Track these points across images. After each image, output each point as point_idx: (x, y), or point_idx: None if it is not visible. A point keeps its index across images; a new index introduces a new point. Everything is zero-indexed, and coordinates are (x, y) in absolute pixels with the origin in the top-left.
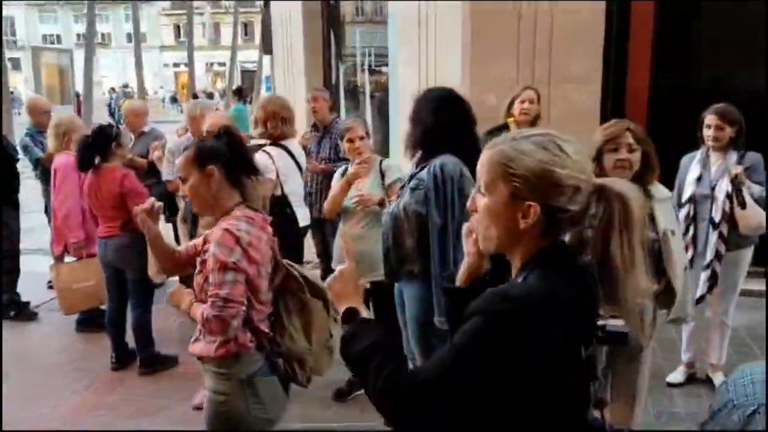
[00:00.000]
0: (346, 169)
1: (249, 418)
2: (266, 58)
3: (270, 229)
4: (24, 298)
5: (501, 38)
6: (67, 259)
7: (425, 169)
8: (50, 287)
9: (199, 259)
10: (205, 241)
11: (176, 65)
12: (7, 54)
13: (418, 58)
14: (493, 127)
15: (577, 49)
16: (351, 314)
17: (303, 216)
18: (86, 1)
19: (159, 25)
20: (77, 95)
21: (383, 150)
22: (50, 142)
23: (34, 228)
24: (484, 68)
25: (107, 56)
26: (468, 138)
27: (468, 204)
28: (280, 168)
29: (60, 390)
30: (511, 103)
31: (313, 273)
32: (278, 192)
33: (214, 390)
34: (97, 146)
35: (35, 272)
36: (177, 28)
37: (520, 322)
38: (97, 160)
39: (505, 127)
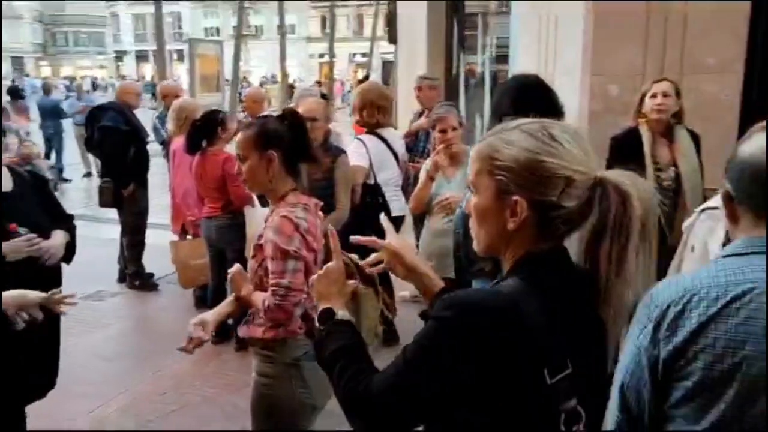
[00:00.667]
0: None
1: (293, 402)
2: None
3: (321, 215)
4: (148, 270)
5: (627, 23)
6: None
7: None
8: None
9: (253, 244)
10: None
11: (321, 56)
12: (174, 46)
13: (537, 44)
14: (620, 132)
15: (717, 35)
16: (327, 315)
17: (400, 207)
18: None
19: (307, 17)
20: (227, 83)
21: None
22: (170, 126)
23: (162, 205)
24: (607, 56)
25: (258, 47)
26: None
27: (464, 205)
28: (374, 157)
29: (165, 357)
30: (642, 100)
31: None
32: (371, 181)
33: (260, 372)
34: (204, 130)
35: (161, 246)
36: (323, 20)
37: (462, 330)
38: (204, 144)
39: (634, 130)
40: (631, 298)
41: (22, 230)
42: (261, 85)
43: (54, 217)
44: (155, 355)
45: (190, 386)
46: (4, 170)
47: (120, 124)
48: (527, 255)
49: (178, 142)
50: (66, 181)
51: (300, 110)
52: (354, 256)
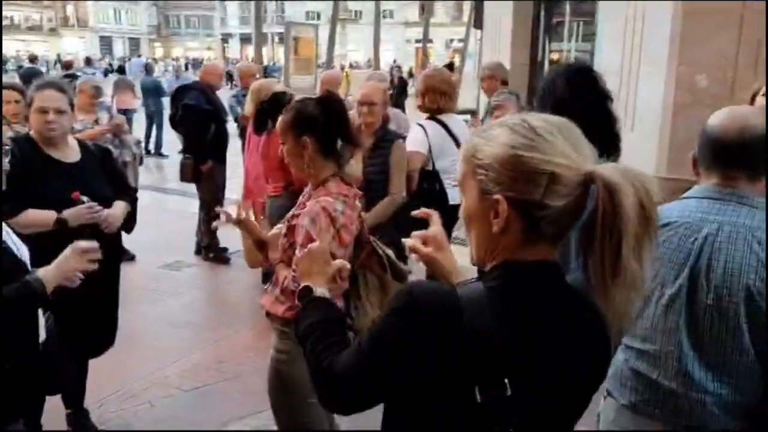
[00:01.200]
0: None
1: (306, 381)
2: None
3: (359, 205)
4: (222, 244)
5: (720, 10)
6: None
7: None
8: None
9: (287, 223)
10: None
11: (417, 41)
12: (276, 29)
13: (623, 32)
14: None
15: None
16: (306, 292)
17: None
18: None
19: (405, 3)
20: (320, 66)
21: None
22: (247, 107)
23: (240, 181)
24: (697, 45)
25: (356, 31)
26: (600, 115)
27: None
28: (434, 143)
29: (227, 328)
30: (753, 99)
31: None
32: (429, 167)
33: (277, 349)
34: (271, 111)
35: None
36: (422, 5)
37: (407, 318)
38: (269, 125)
39: None
40: (636, 303)
41: (84, 198)
42: (342, 69)
43: (117, 188)
44: (219, 325)
45: (246, 357)
46: (73, 141)
47: (201, 103)
48: (504, 263)
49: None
50: (163, 156)
51: (359, 94)
52: (389, 252)
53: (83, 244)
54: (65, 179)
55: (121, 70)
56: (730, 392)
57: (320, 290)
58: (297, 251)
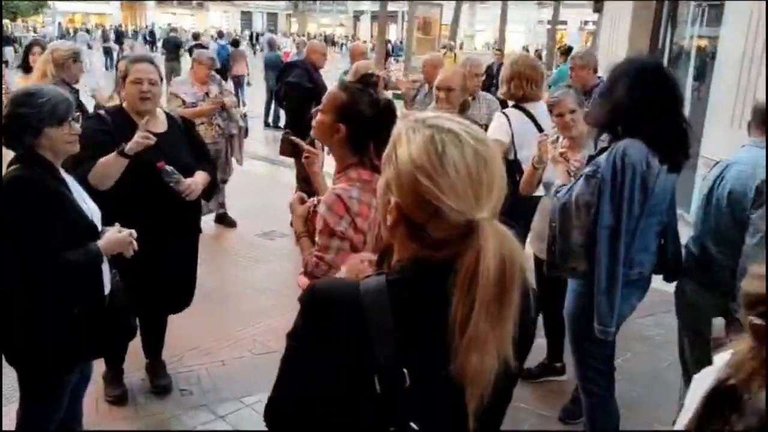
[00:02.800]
0: (557, 139)
1: None
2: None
3: None
4: None
5: None
6: None
7: (605, 154)
8: None
9: (312, 207)
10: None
11: (549, 22)
12: (405, 8)
13: (748, 21)
14: None
15: None
16: None
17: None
18: None
19: None
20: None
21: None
22: None
23: None
24: None
25: (486, 11)
26: (667, 120)
27: (563, 195)
28: (516, 132)
29: (277, 311)
30: None
31: None
32: (511, 156)
33: None
34: None
35: None
36: None
37: (309, 313)
38: None
39: None
40: (482, 360)
41: (168, 168)
42: (450, 49)
43: (198, 158)
44: (273, 309)
45: (279, 338)
46: (160, 112)
47: (304, 81)
48: (409, 259)
49: None
50: (281, 129)
51: (437, 80)
52: None
53: (123, 229)
54: (153, 148)
55: (236, 44)
56: None
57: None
58: (317, 236)
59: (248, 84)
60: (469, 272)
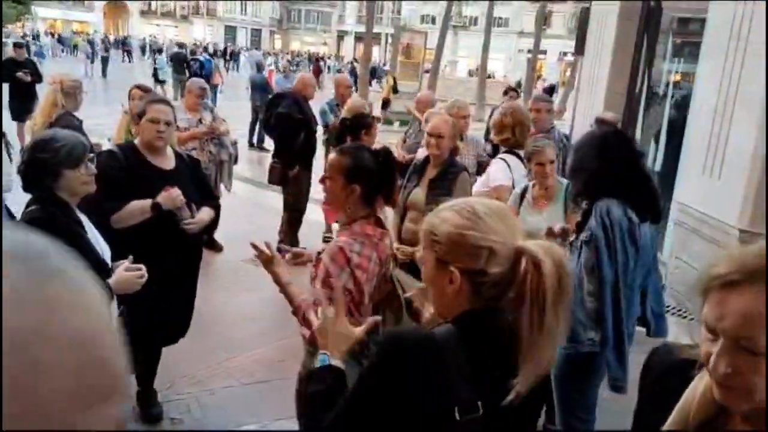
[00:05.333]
0: (525, 189)
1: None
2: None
3: (385, 244)
4: (302, 245)
5: None
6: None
7: (592, 218)
8: (325, 240)
9: (316, 255)
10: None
11: (530, 51)
12: (390, 30)
13: (722, 72)
14: None
15: None
16: (321, 356)
17: None
18: None
19: (522, 12)
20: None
21: (675, 164)
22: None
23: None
24: None
25: (469, 37)
26: (633, 179)
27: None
28: (515, 177)
29: (294, 327)
30: None
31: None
32: None
33: (304, 365)
34: (351, 130)
35: (319, 222)
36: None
37: (384, 360)
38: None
39: None
40: (552, 350)
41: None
42: (427, 73)
43: (203, 195)
44: (287, 323)
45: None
46: (169, 150)
47: (294, 112)
48: (463, 312)
49: None
50: (265, 150)
51: (428, 126)
52: (408, 293)
53: (132, 266)
54: (163, 184)
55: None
56: None
57: (334, 360)
58: (317, 284)
59: (220, 92)
60: (534, 282)
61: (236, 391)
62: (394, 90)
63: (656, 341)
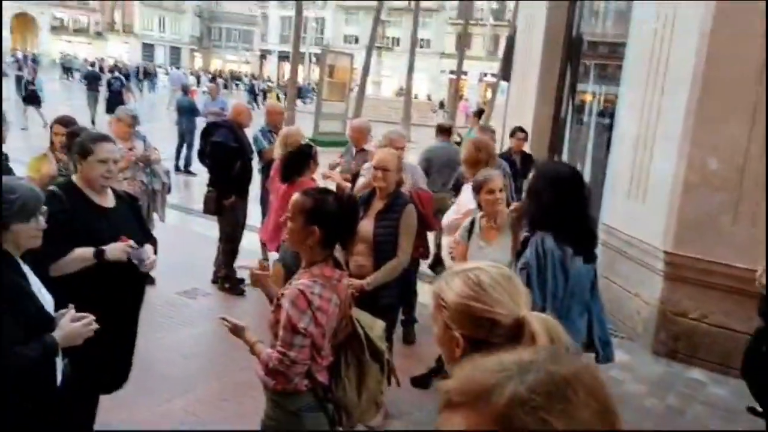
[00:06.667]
0: (473, 222)
1: None
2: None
3: (344, 285)
4: (239, 275)
5: (736, 96)
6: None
7: (529, 247)
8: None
9: (276, 301)
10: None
11: (452, 72)
12: (314, 50)
13: (642, 104)
14: None
15: None
16: None
17: None
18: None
19: (444, 33)
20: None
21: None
22: (276, 150)
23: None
24: (712, 127)
25: (393, 58)
26: (572, 219)
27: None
28: None
29: (234, 363)
30: None
31: (378, 334)
32: None
33: (267, 415)
34: (296, 162)
35: (255, 251)
36: (459, 37)
37: None
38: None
39: None
40: None
41: (131, 243)
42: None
43: (145, 233)
44: (227, 360)
45: (248, 396)
46: (109, 190)
47: (229, 140)
48: None
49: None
50: (192, 174)
51: (374, 160)
52: (369, 332)
53: (78, 315)
54: (105, 222)
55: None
56: None
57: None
58: (280, 330)
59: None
60: None
61: None
62: None
63: (607, 366)
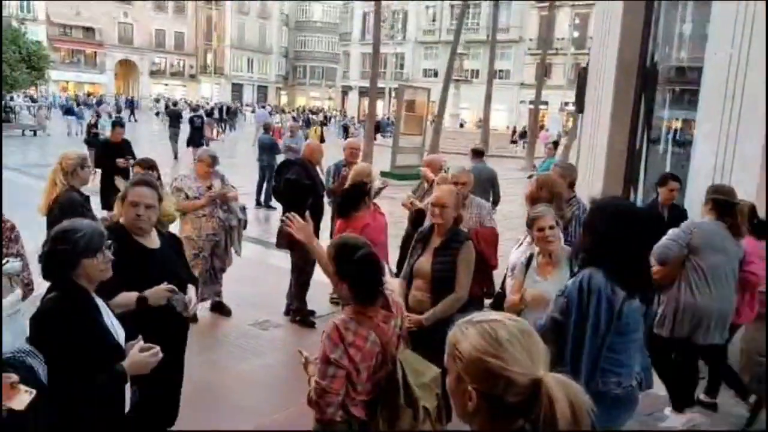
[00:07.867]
0: (531, 256)
1: None
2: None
3: (390, 326)
4: (311, 307)
5: None
6: None
7: (574, 279)
8: (332, 301)
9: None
10: None
11: (531, 102)
12: (394, 84)
13: (718, 133)
14: None
15: None
16: None
17: None
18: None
19: (523, 64)
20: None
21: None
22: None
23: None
24: None
25: (471, 90)
26: (629, 257)
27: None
28: None
29: (300, 394)
30: None
31: (424, 381)
32: None
33: None
34: (352, 197)
35: (327, 283)
36: (538, 67)
37: None
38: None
39: None
40: None
41: (171, 287)
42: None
43: (188, 272)
44: (293, 391)
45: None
46: (154, 230)
47: (302, 177)
48: None
49: None
50: (272, 209)
51: (432, 196)
52: (408, 378)
53: (146, 345)
54: (150, 263)
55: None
56: None
57: None
58: (318, 362)
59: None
60: (548, 418)
61: None
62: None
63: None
